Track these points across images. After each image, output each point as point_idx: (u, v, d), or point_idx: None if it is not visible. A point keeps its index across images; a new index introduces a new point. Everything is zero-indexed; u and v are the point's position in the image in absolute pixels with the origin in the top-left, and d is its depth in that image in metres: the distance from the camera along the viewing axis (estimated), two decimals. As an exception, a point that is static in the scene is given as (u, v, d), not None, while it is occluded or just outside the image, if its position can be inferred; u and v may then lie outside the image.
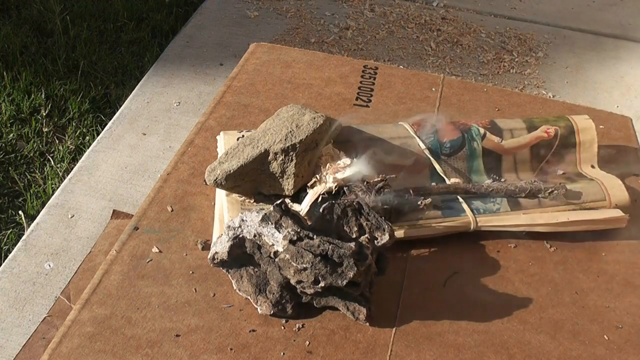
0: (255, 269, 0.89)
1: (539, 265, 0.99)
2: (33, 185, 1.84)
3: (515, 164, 1.09)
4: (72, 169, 1.80)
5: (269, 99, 1.26)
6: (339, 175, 0.98)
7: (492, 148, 1.09)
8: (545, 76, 2.35)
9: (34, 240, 1.57)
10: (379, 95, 1.29)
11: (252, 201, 1.00)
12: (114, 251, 0.95)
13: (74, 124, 2.04)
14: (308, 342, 0.85)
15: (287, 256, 0.84)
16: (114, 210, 1.58)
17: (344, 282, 0.83)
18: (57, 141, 1.99)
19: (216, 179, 0.97)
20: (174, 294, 0.90)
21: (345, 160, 1.00)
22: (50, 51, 2.34)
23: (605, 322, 0.92)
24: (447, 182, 1.05)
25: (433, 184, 1.05)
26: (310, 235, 0.84)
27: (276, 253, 0.86)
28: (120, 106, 2.04)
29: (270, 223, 0.86)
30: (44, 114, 2.06)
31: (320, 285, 0.83)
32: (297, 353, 0.84)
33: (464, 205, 1.01)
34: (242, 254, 0.89)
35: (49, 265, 1.51)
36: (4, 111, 2.06)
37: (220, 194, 1.01)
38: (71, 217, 1.63)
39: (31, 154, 1.93)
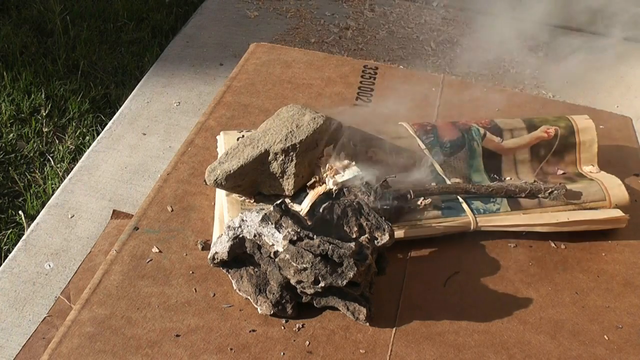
0: (255, 269, 0.89)
1: (539, 265, 0.99)
2: (33, 185, 1.83)
3: (515, 164, 1.09)
4: (72, 169, 1.80)
5: (269, 99, 1.26)
6: (339, 177, 0.98)
7: (492, 148, 1.09)
8: (545, 76, 2.35)
9: (34, 240, 1.57)
10: (379, 95, 1.29)
11: (252, 201, 1.00)
12: (114, 251, 0.95)
13: (74, 124, 2.04)
14: (308, 342, 0.85)
15: (287, 256, 0.84)
16: (114, 210, 1.58)
17: (344, 282, 0.83)
18: (57, 141, 1.99)
19: (216, 179, 0.97)
20: (174, 294, 0.90)
21: (345, 162, 1.00)
22: (50, 51, 2.34)
23: (605, 322, 0.92)
24: (447, 182, 1.05)
25: (433, 184, 1.04)
26: (310, 235, 0.85)
27: (276, 253, 0.86)
28: (120, 106, 2.04)
29: (270, 223, 0.86)
30: (44, 114, 2.06)
31: (320, 285, 0.83)
32: (297, 353, 0.84)
33: (464, 205, 1.01)
34: (242, 254, 0.89)
35: (49, 265, 1.51)
36: (4, 111, 2.06)
37: (220, 194, 1.01)
38: (71, 217, 1.63)
39: (31, 154, 1.93)
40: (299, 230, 0.85)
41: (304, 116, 1.01)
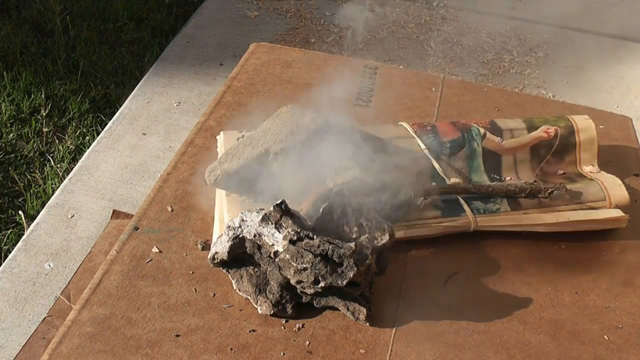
0: (255, 269, 0.89)
1: (539, 265, 0.99)
2: (33, 185, 1.83)
3: (515, 164, 1.09)
4: (72, 169, 1.80)
5: (269, 99, 1.26)
6: (339, 177, 0.98)
7: (492, 148, 1.09)
8: (545, 76, 2.35)
9: (34, 240, 1.57)
10: (379, 95, 1.29)
11: (252, 201, 1.00)
12: (114, 251, 0.95)
13: (74, 124, 2.04)
14: (308, 342, 0.85)
15: (287, 256, 0.84)
16: (114, 210, 1.58)
17: (344, 282, 0.83)
18: (57, 141, 1.99)
19: (216, 179, 0.97)
20: (174, 294, 0.90)
21: (345, 162, 1.00)
22: (50, 51, 2.34)
23: (605, 322, 0.91)
24: (447, 182, 1.05)
25: (433, 184, 1.04)
26: (310, 235, 0.84)
27: (276, 253, 0.86)
28: (120, 106, 2.04)
29: (270, 223, 0.86)
30: (44, 114, 2.06)
31: (320, 285, 0.83)
32: (297, 353, 0.84)
33: (464, 205, 1.01)
34: (242, 254, 0.89)
35: (49, 265, 1.51)
36: (4, 111, 2.06)
37: (220, 194, 1.01)
38: (71, 217, 1.63)
39: (31, 154, 1.93)
40: (299, 230, 0.85)
41: (304, 116, 1.01)
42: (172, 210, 1.02)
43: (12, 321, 1.40)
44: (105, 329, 0.85)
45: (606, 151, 1.15)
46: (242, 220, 0.88)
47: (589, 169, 1.10)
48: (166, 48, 2.33)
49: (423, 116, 1.23)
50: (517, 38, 2.53)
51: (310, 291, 0.85)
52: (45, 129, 2.01)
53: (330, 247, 0.83)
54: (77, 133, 2.01)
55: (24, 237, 1.58)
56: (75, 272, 1.43)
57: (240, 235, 0.88)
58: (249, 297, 0.89)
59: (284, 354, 0.84)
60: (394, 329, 0.88)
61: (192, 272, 0.93)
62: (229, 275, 0.90)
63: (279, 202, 0.88)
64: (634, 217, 1.04)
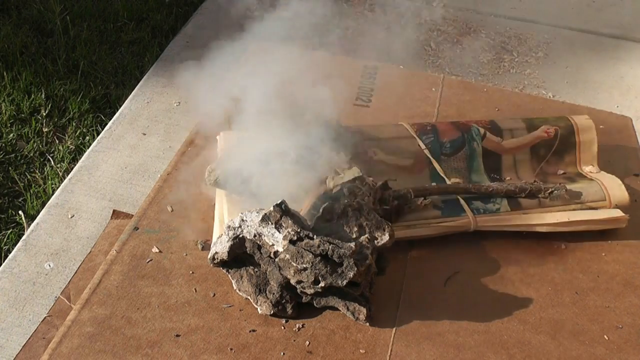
0: (255, 269, 0.89)
1: (539, 265, 0.99)
2: (33, 185, 1.83)
3: (515, 164, 1.10)
4: (72, 169, 1.80)
5: (269, 99, 1.25)
6: (339, 177, 0.98)
7: (492, 148, 1.09)
8: (545, 76, 2.35)
9: (34, 240, 1.57)
10: (379, 95, 1.29)
11: (252, 201, 1.00)
12: (114, 251, 0.95)
13: (74, 124, 2.04)
14: (308, 342, 0.85)
15: (287, 256, 0.84)
16: (114, 210, 1.58)
17: (344, 282, 0.83)
18: (57, 141, 1.99)
19: (216, 179, 0.97)
20: (174, 294, 0.90)
21: (346, 162, 1.00)
22: (50, 51, 2.34)
23: (605, 322, 0.92)
24: (447, 182, 1.05)
25: (433, 184, 1.04)
26: (310, 235, 0.84)
27: (276, 253, 0.86)
28: (120, 106, 2.04)
29: (270, 223, 0.86)
30: (44, 114, 2.05)
31: (320, 285, 0.83)
32: (297, 353, 0.84)
33: (464, 205, 1.01)
34: (242, 254, 0.89)
35: (49, 265, 1.51)
36: (4, 111, 2.05)
37: (220, 194, 1.01)
38: (71, 217, 1.63)
39: (31, 154, 1.93)
40: (299, 230, 0.85)
41: (303, 116, 1.01)
42: (172, 210, 1.02)
43: (12, 321, 1.40)
44: (105, 329, 0.85)
45: (606, 151, 1.15)
46: (242, 220, 0.88)
47: (589, 169, 1.10)
48: (166, 48, 2.33)
49: (423, 116, 1.23)
50: (517, 38, 2.53)
51: (310, 291, 0.85)
52: (45, 129, 2.01)
53: (330, 247, 0.83)
54: (77, 133, 2.01)
55: (24, 237, 1.58)
56: (75, 272, 1.43)
57: (240, 235, 0.88)
58: (249, 297, 0.89)
59: (284, 354, 0.84)
60: (394, 329, 0.88)
61: (192, 272, 0.93)
62: (229, 275, 0.90)
63: (279, 202, 0.88)
64: (634, 217, 1.04)
